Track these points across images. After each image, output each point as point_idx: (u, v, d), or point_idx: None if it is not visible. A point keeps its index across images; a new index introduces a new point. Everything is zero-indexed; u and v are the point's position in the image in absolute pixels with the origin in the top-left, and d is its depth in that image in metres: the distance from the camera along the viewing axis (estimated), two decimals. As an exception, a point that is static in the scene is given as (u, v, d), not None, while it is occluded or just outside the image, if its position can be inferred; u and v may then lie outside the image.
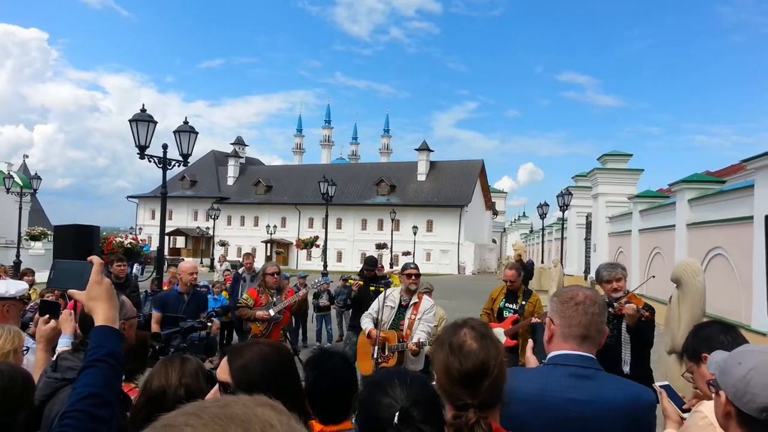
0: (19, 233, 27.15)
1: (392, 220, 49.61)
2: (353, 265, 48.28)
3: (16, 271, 18.80)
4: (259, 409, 0.71)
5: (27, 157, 54.38)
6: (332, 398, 2.17)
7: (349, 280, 12.59)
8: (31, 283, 10.47)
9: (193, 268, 6.90)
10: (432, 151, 61.75)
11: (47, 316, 2.82)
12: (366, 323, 6.04)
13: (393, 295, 5.89)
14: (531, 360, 2.34)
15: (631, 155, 21.60)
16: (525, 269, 19.73)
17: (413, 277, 5.95)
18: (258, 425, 0.67)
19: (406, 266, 6.19)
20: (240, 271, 11.05)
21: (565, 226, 25.78)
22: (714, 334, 2.46)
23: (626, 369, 4.62)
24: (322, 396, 2.18)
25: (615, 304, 4.60)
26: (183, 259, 40.73)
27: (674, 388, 2.40)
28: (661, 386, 2.36)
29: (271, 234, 55.87)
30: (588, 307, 1.99)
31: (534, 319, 6.08)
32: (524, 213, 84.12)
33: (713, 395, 1.66)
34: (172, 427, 0.66)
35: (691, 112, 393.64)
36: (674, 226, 13.82)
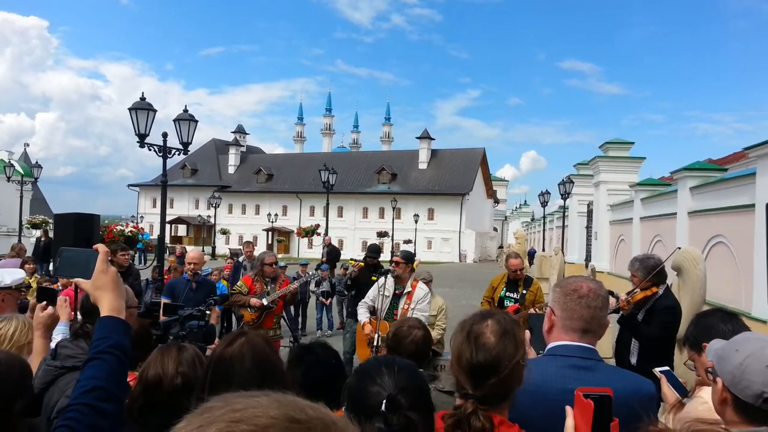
0: (20, 222, 27.19)
1: (393, 208, 49.56)
2: (354, 253, 48.31)
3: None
4: (311, 404, 0.69)
5: (28, 145, 54.19)
6: (324, 387, 2.18)
7: (350, 261, 12.57)
8: (33, 272, 10.49)
9: (195, 257, 6.89)
10: (433, 139, 61.61)
11: (44, 303, 2.82)
12: (360, 314, 6.04)
13: (388, 283, 5.89)
14: (528, 351, 2.32)
15: (632, 143, 21.52)
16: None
17: (394, 264, 5.95)
18: (328, 418, 0.66)
19: (394, 254, 6.21)
20: (240, 259, 11.08)
21: (566, 214, 25.73)
22: (715, 324, 2.45)
23: (633, 360, 4.60)
24: (313, 388, 2.19)
25: (615, 292, 4.59)
26: (183, 247, 40.80)
27: (676, 375, 2.39)
28: (661, 371, 2.35)
29: (272, 222, 55.90)
30: (591, 300, 1.96)
31: (532, 310, 6.07)
32: (526, 201, 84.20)
33: (711, 382, 1.67)
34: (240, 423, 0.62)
35: (694, 99, 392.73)
36: (676, 214, 13.79)
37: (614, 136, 22.55)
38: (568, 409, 1.54)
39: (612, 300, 4.53)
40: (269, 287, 6.75)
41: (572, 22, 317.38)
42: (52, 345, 2.76)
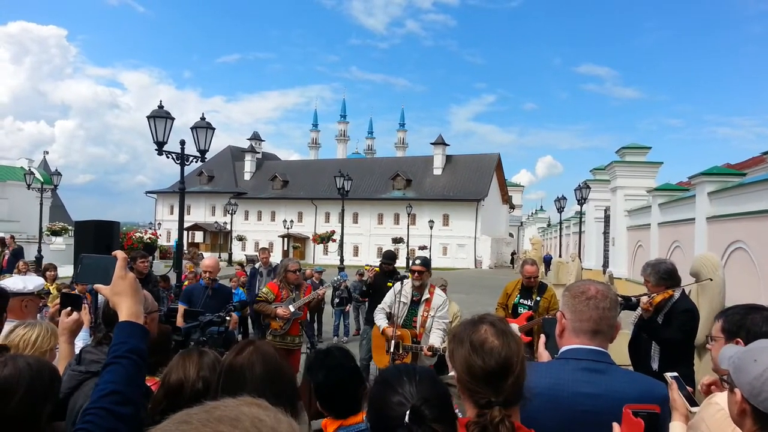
0: (41, 229, 27.54)
1: (408, 214, 49.55)
2: (370, 259, 48.30)
3: (39, 266, 19.14)
4: (245, 408, 0.74)
5: (47, 153, 55.03)
6: (343, 392, 2.20)
7: (365, 267, 12.43)
8: (54, 278, 10.65)
9: (211, 265, 6.89)
10: (448, 145, 61.51)
11: (69, 308, 2.87)
12: (379, 319, 6.04)
13: (405, 290, 5.88)
14: (543, 355, 2.33)
15: (650, 148, 21.38)
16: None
17: (416, 274, 5.91)
18: (247, 421, 0.71)
19: (412, 262, 6.19)
20: (257, 266, 11.15)
21: (583, 219, 25.59)
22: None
23: (654, 365, 4.54)
24: (333, 392, 2.21)
25: (633, 299, 4.58)
26: (201, 254, 41.08)
27: (694, 380, 2.35)
28: (672, 377, 2.31)
29: (287, 229, 56.12)
30: (599, 301, 1.98)
31: (547, 316, 6.04)
32: (542, 207, 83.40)
33: (727, 391, 1.65)
34: None
35: (712, 103, 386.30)
36: (694, 219, 13.67)
37: (632, 140, 22.37)
38: (615, 426, 1.58)
39: (643, 299, 4.52)
40: (294, 294, 6.81)
41: (588, 26, 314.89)
42: (75, 351, 2.81)
